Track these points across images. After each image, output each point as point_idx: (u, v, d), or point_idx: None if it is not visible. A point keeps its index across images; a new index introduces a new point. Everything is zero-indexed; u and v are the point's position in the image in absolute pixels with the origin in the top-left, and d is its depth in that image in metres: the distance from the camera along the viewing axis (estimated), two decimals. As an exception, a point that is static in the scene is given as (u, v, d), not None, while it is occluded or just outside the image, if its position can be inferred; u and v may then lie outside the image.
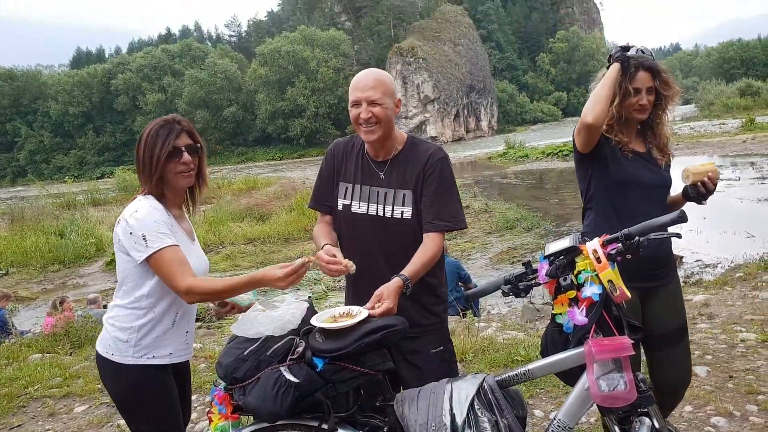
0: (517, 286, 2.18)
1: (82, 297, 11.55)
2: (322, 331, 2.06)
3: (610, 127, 2.62)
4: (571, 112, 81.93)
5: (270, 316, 2.15)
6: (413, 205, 2.44)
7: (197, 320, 2.66)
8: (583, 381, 1.97)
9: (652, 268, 2.59)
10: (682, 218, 1.98)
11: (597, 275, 1.96)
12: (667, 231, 2.09)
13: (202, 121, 69.69)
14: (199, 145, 2.34)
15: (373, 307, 2.12)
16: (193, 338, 2.47)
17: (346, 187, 2.54)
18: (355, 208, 2.50)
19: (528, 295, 2.23)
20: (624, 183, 2.60)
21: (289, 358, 2.02)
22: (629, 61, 2.55)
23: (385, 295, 2.15)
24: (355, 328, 2.01)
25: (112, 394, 2.33)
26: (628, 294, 1.97)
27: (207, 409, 2.27)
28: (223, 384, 2.13)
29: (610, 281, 1.94)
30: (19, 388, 5.20)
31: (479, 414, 1.93)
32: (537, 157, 31.90)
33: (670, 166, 2.72)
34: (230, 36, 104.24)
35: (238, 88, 71.87)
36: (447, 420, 1.92)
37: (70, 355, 6.49)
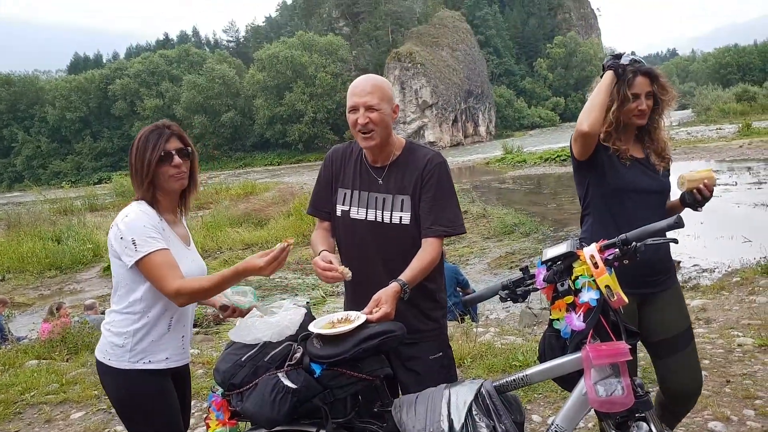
0: (515, 291, 2.19)
1: (79, 303, 11.52)
2: (320, 336, 2.06)
3: (608, 135, 2.61)
4: (568, 117, 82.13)
5: (268, 322, 2.15)
6: (412, 210, 2.44)
7: (195, 326, 2.66)
8: (581, 386, 1.97)
9: (649, 274, 2.59)
10: (679, 224, 1.99)
11: (594, 280, 1.96)
12: (665, 236, 2.10)
13: (200, 126, 69.78)
14: (189, 148, 2.35)
15: (371, 312, 2.12)
16: (190, 343, 2.46)
17: (345, 193, 2.54)
18: (353, 214, 2.50)
19: (526, 300, 2.23)
20: (621, 190, 2.60)
21: (286, 363, 2.02)
22: (625, 68, 2.56)
23: (383, 299, 2.15)
24: (353, 334, 2.01)
25: (111, 399, 2.34)
26: (626, 299, 1.97)
27: (204, 415, 2.26)
28: (220, 390, 2.13)
29: (607, 286, 1.95)
30: (16, 395, 5.18)
31: (477, 419, 1.93)
32: (535, 162, 31.95)
33: (669, 170, 2.71)
34: (228, 41, 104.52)
35: (236, 93, 71.95)
36: (445, 425, 1.92)
37: (67, 361, 6.47)
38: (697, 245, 10.69)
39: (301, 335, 2.13)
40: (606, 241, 2.04)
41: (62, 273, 15.76)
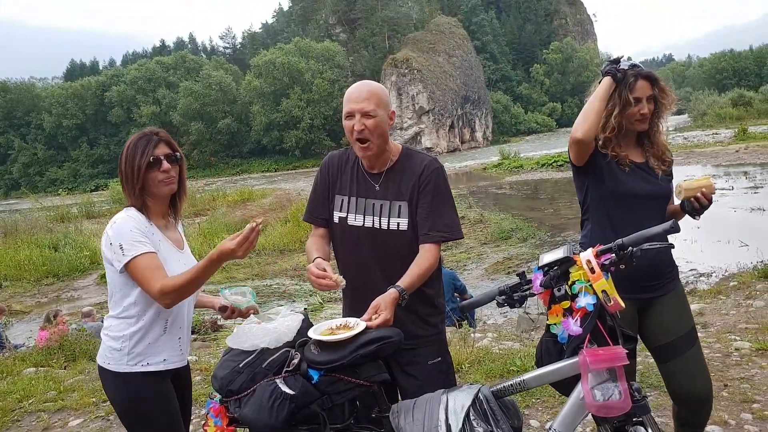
0: (512, 296, 2.19)
1: (76, 310, 11.50)
2: (318, 342, 2.06)
3: (608, 141, 2.61)
4: (565, 122, 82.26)
5: (265, 329, 2.15)
6: (409, 216, 2.44)
7: (193, 332, 2.67)
8: (578, 391, 1.98)
9: (648, 279, 2.59)
10: (675, 228, 2.00)
11: (591, 285, 1.96)
12: (664, 240, 2.10)
13: (196, 133, 69.71)
14: (178, 153, 2.39)
15: (370, 319, 2.13)
16: (188, 344, 2.48)
17: (342, 200, 2.53)
18: (351, 221, 2.50)
19: (523, 305, 2.24)
20: (620, 196, 2.60)
21: (284, 370, 2.03)
22: (625, 73, 2.56)
23: (382, 306, 2.16)
24: (351, 340, 2.02)
25: (112, 402, 2.37)
26: (622, 304, 1.97)
27: (203, 422, 2.27)
28: (218, 396, 2.14)
29: (604, 291, 1.95)
30: (14, 402, 5.17)
31: (475, 424, 1.93)
32: (532, 168, 32.01)
33: (670, 174, 2.70)
34: (225, 48, 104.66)
35: (233, 99, 71.97)
36: (443, 431, 1.93)
37: (65, 368, 6.45)
38: (695, 250, 10.71)
39: (299, 341, 2.13)
40: (602, 246, 2.05)
41: (59, 280, 15.71)
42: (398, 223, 2.44)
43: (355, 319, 2.16)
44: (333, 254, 2.65)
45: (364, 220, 2.48)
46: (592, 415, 2.01)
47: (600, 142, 2.62)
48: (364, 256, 2.48)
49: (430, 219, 2.41)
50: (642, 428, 1.95)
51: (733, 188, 17.98)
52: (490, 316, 8.57)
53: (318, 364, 2.01)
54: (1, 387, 5.63)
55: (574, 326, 1.97)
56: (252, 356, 2.08)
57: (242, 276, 14.16)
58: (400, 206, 2.45)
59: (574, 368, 1.98)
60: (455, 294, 7.72)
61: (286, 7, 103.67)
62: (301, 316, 2.26)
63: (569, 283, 2.01)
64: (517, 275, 2.22)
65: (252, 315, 2.36)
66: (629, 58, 2.63)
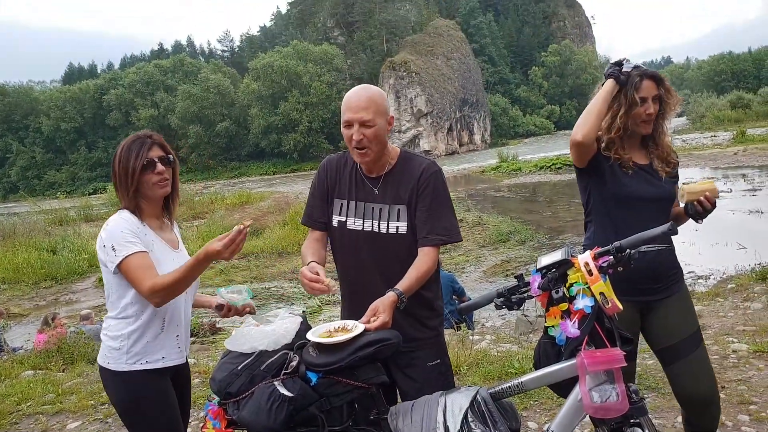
0: (510, 299, 2.20)
1: (74, 313, 11.49)
2: (316, 345, 2.07)
3: (611, 142, 2.59)
4: (563, 125, 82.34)
5: (263, 331, 2.16)
6: (408, 219, 2.45)
7: (192, 335, 2.69)
8: (576, 392, 1.98)
9: (651, 282, 2.57)
10: (673, 231, 2.00)
11: (589, 288, 1.97)
12: (662, 243, 2.09)
13: (195, 136, 69.63)
14: (171, 156, 2.42)
15: (368, 321, 2.14)
16: (186, 341, 2.51)
17: (341, 204, 2.54)
18: (350, 225, 2.50)
19: (521, 307, 2.24)
20: (623, 198, 2.58)
21: (283, 372, 2.03)
22: (629, 74, 2.54)
23: (381, 309, 2.16)
24: (349, 342, 2.03)
25: (113, 401, 2.40)
26: (620, 306, 1.98)
27: (201, 424, 2.27)
28: (217, 399, 2.14)
29: (602, 293, 1.96)
30: (12, 405, 5.16)
31: (473, 426, 1.94)
32: (530, 171, 32.04)
33: (675, 176, 2.68)
34: (223, 51, 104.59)
35: (231, 103, 71.92)
36: (441, 433, 1.93)
37: (63, 371, 6.45)
38: (693, 252, 10.72)
39: (297, 344, 2.14)
40: (600, 249, 2.05)
41: (58, 283, 15.70)
42: (397, 227, 2.45)
43: (354, 321, 2.16)
44: (332, 257, 2.66)
45: (363, 223, 2.48)
46: (590, 416, 2.02)
47: (603, 144, 2.60)
48: (363, 260, 2.49)
49: (429, 222, 2.41)
50: (639, 430, 1.96)
51: (731, 191, 18.01)
52: (488, 319, 8.57)
53: (316, 366, 2.02)
54: (-1, 390, 5.62)
55: (571, 328, 1.98)
56: (250, 359, 2.09)
57: (241, 279, 14.16)
58: (399, 210, 2.45)
59: (572, 370, 1.99)
60: (454, 296, 7.72)
61: (284, 11, 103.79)
62: (300, 319, 2.26)
63: (567, 285, 2.02)
64: (515, 277, 2.23)
65: (250, 317, 2.36)
66: (627, 60, 2.61)
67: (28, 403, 5.19)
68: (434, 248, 2.42)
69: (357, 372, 2.05)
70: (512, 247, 14.54)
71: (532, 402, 4.15)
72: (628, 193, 2.57)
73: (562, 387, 2.08)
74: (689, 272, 9.88)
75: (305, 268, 2.31)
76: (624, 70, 2.56)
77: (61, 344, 7.09)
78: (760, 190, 17.96)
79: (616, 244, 2.02)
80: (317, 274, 2.26)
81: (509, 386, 2.11)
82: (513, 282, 2.22)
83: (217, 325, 9.68)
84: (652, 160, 2.64)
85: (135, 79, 77.24)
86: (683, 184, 2.60)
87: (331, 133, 66.14)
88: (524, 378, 2.11)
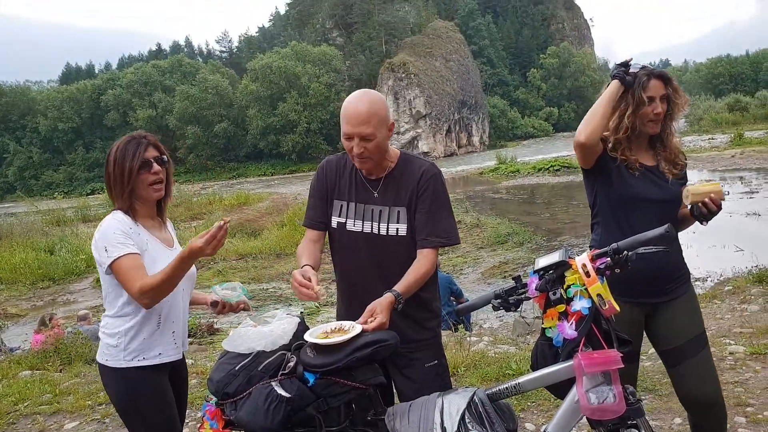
0: (507, 300, 2.20)
1: (72, 313, 11.47)
2: (314, 346, 2.07)
3: (618, 143, 2.57)
4: (562, 127, 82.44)
5: (261, 332, 2.16)
6: (408, 221, 2.45)
7: (189, 336, 2.70)
8: (573, 394, 1.99)
9: (658, 284, 2.56)
10: (670, 233, 2.00)
11: (586, 289, 1.98)
12: (662, 244, 2.08)
13: (193, 136, 69.53)
14: (165, 156, 2.45)
15: (366, 322, 2.14)
16: (182, 337, 2.52)
17: (341, 205, 2.53)
18: (350, 226, 2.50)
19: (518, 309, 2.25)
20: (629, 200, 2.56)
21: (280, 373, 2.03)
22: (636, 75, 2.52)
23: (378, 310, 2.17)
24: (347, 343, 2.03)
25: (111, 398, 2.43)
26: (617, 307, 1.98)
27: (198, 425, 2.27)
28: (214, 399, 2.14)
29: (599, 295, 1.96)
30: (9, 405, 5.15)
31: (470, 427, 1.94)
32: (528, 173, 32.04)
33: (682, 177, 2.64)
34: (221, 52, 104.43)
35: (230, 103, 71.84)
36: (438, 434, 1.93)
37: (60, 371, 6.44)
38: (690, 254, 10.62)
39: (295, 345, 2.14)
40: (597, 250, 2.06)
41: (55, 284, 15.68)
42: (397, 229, 2.45)
43: (350, 322, 2.16)
44: (329, 258, 2.66)
45: (363, 225, 2.48)
46: (587, 418, 2.03)
47: (610, 145, 2.58)
48: (362, 261, 2.49)
49: (428, 224, 2.42)
50: (636, 431, 1.96)
51: (729, 193, 18.03)
52: (486, 320, 8.58)
53: (314, 367, 2.02)
54: (-4, 390, 5.61)
55: (569, 330, 1.98)
56: (248, 359, 2.09)
57: (238, 280, 14.01)
58: (399, 212, 2.45)
59: (569, 371, 1.99)
60: (452, 298, 7.72)
61: (282, 11, 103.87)
62: (297, 320, 2.27)
63: (564, 286, 2.02)
64: (513, 279, 2.23)
65: (248, 318, 2.36)
66: (635, 63, 2.58)
67: (26, 404, 5.18)
68: (433, 250, 2.42)
69: (354, 373, 2.05)
70: (510, 249, 14.55)
71: (529, 403, 4.15)
72: (634, 194, 2.55)
73: (560, 388, 2.08)
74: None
75: (298, 272, 2.29)
76: (631, 70, 2.54)
77: (58, 344, 7.08)
78: (758, 192, 18.00)
79: (614, 245, 2.02)
80: (309, 279, 2.25)
81: (506, 387, 2.12)
82: (511, 283, 2.22)
83: (215, 326, 9.67)
84: (659, 162, 2.62)
85: (133, 80, 77.08)
86: (692, 185, 2.55)
87: (330, 134, 66.10)
88: (521, 379, 2.12)
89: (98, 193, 47.82)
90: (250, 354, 2.10)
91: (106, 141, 75.46)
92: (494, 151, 47.77)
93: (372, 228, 2.47)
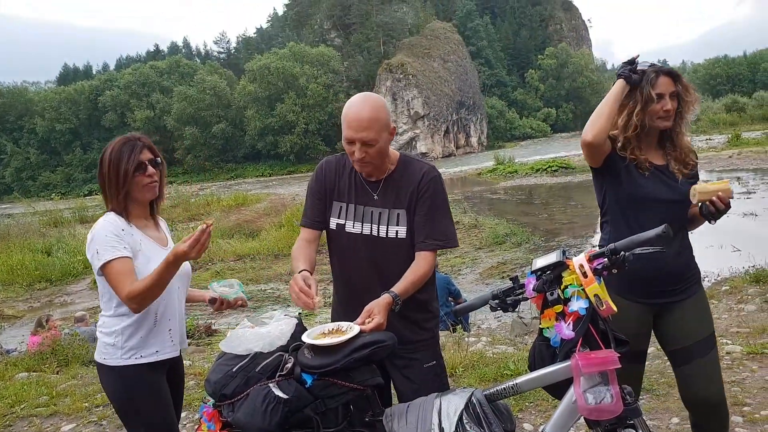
0: (505, 301, 2.20)
1: (69, 315, 11.45)
2: (311, 347, 2.07)
3: (627, 142, 2.54)
4: (560, 128, 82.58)
5: (258, 333, 2.15)
6: (407, 224, 2.45)
7: (187, 337, 2.70)
8: (570, 394, 1.99)
9: (669, 284, 2.55)
10: (667, 233, 1.99)
11: (583, 290, 1.98)
12: (661, 245, 2.07)
13: (191, 137, 69.48)
14: (159, 159, 2.47)
15: (363, 323, 2.14)
16: (179, 335, 2.54)
17: (341, 207, 2.52)
18: (349, 228, 2.49)
19: (516, 309, 2.25)
20: (638, 200, 2.54)
21: (278, 374, 2.03)
22: (642, 74, 2.50)
23: (376, 310, 2.16)
24: (344, 344, 2.03)
25: (109, 396, 2.45)
26: (614, 308, 1.98)
27: (196, 426, 2.27)
28: (212, 401, 2.13)
29: (596, 295, 1.96)
30: (5, 407, 5.14)
31: (468, 428, 1.94)
32: (526, 173, 32.07)
33: (693, 177, 2.62)
34: (219, 52, 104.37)
35: (228, 104, 71.80)
36: (436, 434, 1.93)
37: (57, 373, 6.42)
38: (687, 254, 10.72)
39: (293, 346, 2.14)
40: (594, 251, 2.06)
41: (52, 285, 15.64)
42: (397, 231, 2.44)
43: (348, 323, 2.16)
44: (327, 259, 2.65)
45: (362, 227, 2.48)
46: (584, 418, 2.03)
47: (619, 144, 2.56)
48: (361, 263, 2.49)
49: (427, 227, 2.42)
50: (633, 431, 1.96)
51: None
52: (484, 320, 8.58)
53: (311, 368, 2.01)
54: (-7, 392, 5.59)
55: (566, 330, 1.98)
56: (245, 360, 2.08)
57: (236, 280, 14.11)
58: (398, 214, 2.45)
59: (567, 372, 1.99)
60: (450, 298, 7.72)
61: (280, 12, 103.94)
62: (295, 321, 2.26)
63: (562, 287, 2.02)
64: (510, 279, 2.23)
65: (245, 320, 2.36)
66: (643, 61, 2.57)
67: (22, 406, 5.17)
68: (431, 253, 2.43)
69: (352, 374, 2.05)
70: (508, 249, 14.55)
71: (527, 403, 4.16)
72: (643, 194, 2.53)
73: (557, 389, 2.08)
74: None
75: (299, 277, 2.28)
76: (639, 68, 2.51)
77: (55, 346, 7.06)
78: (755, 192, 18.02)
79: (611, 246, 2.02)
80: (309, 287, 2.24)
81: (504, 388, 2.12)
82: (508, 284, 2.23)
83: (213, 327, 9.67)
84: (669, 161, 2.59)
85: (131, 81, 76.98)
86: (699, 183, 2.52)
87: (328, 135, 66.09)
88: (519, 380, 2.12)
89: (96, 194, 47.72)
90: (248, 355, 2.10)
91: (104, 142, 74.62)
92: (492, 152, 47.80)
93: (371, 230, 2.47)
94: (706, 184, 2.44)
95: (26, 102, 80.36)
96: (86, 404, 5.03)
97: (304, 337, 2.10)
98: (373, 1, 75.25)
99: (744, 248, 10.60)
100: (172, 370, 2.53)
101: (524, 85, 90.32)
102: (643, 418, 2.04)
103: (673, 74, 2.54)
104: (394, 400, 2.55)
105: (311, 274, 2.37)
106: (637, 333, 2.56)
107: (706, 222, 2.56)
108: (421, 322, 2.51)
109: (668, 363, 4.56)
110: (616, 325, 2.42)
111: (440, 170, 2.59)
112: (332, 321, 2.51)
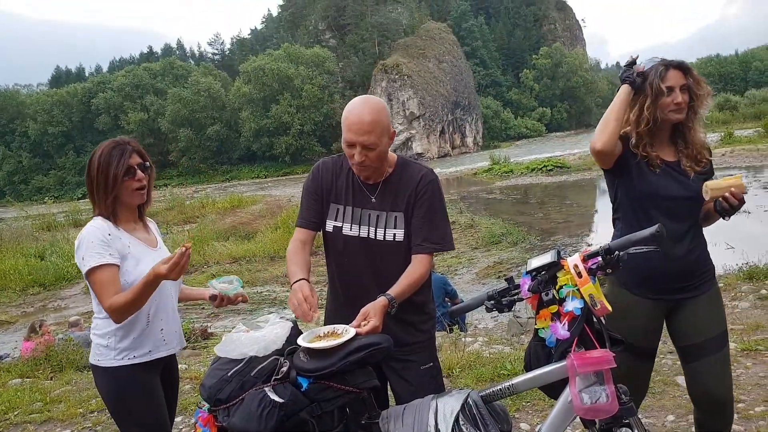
0: (501, 301, 2.21)
1: (62, 320, 11.39)
2: (307, 350, 2.06)
3: (639, 138, 2.53)
4: (554, 127, 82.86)
5: (254, 337, 2.14)
6: (405, 227, 2.44)
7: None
8: (566, 394, 1.99)
9: (683, 280, 2.54)
10: (661, 233, 1.99)
11: (578, 290, 1.98)
12: (656, 244, 2.07)
13: (185, 139, 69.37)
14: (148, 163, 2.48)
15: (359, 326, 2.13)
16: (172, 334, 2.54)
17: (338, 209, 2.51)
18: (346, 230, 2.49)
19: (511, 310, 2.25)
20: (650, 197, 2.53)
21: (273, 378, 2.02)
22: (645, 76, 2.49)
23: (372, 313, 2.16)
24: (340, 347, 2.02)
25: (103, 399, 2.46)
26: (609, 308, 1.99)
27: (191, 431, 2.25)
28: (207, 405, 2.12)
29: (591, 295, 1.97)
30: (-1, 414, 5.11)
31: (464, 429, 1.94)
32: (522, 173, 32.12)
33: (706, 173, 2.58)
34: (213, 54, 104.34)
35: (222, 106, 71.72)
36: (432, 437, 1.93)
37: (51, 379, 6.38)
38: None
39: (288, 349, 2.13)
40: (589, 251, 2.06)
41: (45, 290, 15.52)
42: (394, 234, 2.44)
43: (343, 326, 2.16)
44: (324, 260, 2.65)
45: (359, 230, 2.47)
46: (580, 417, 2.03)
47: (633, 141, 2.55)
48: (358, 266, 2.48)
49: (424, 230, 2.42)
50: (629, 430, 1.97)
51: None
52: (481, 320, 8.58)
53: (307, 371, 2.01)
54: (-13, 398, 5.56)
55: (561, 330, 1.99)
56: (240, 365, 2.07)
57: (232, 283, 14.08)
58: (396, 217, 2.45)
59: (562, 372, 1.99)
60: (446, 299, 7.73)
61: (275, 13, 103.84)
62: (290, 324, 2.25)
63: (557, 287, 2.03)
64: (506, 280, 2.23)
65: (240, 324, 2.35)
66: (644, 61, 2.56)
67: (15, 412, 5.13)
68: (428, 256, 2.42)
69: (348, 377, 2.04)
70: (504, 249, 14.56)
71: (524, 403, 4.16)
72: (654, 191, 2.52)
73: (553, 388, 2.09)
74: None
75: (306, 287, 2.28)
76: (647, 65, 2.50)
77: (48, 352, 7.02)
78: (748, 190, 18.06)
79: (605, 245, 2.03)
80: (311, 297, 2.25)
81: (500, 389, 2.12)
82: (504, 284, 2.23)
83: (209, 330, 9.64)
84: (680, 158, 2.57)
85: (124, 83, 76.75)
86: (712, 179, 2.50)
87: (323, 136, 66.06)
88: (515, 380, 2.12)
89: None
90: (243, 359, 2.08)
91: (97, 145, 74.80)
92: (488, 152, 47.89)
93: (369, 233, 2.46)
94: (718, 181, 2.42)
95: (18, 105, 79.93)
96: (81, 410, 5.00)
97: (300, 341, 2.09)
98: (367, 2, 75.33)
99: (737, 246, 10.62)
100: (166, 370, 2.54)
101: (519, 85, 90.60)
102: (638, 416, 2.04)
103: (683, 67, 2.51)
104: (391, 402, 2.55)
105: (308, 281, 2.36)
106: (646, 330, 2.57)
107: (721, 218, 2.53)
108: (418, 324, 2.51)
109: (663, 361, 4.60)
110: (625, 322, 2.44)
111: (436, 170, 2.60)
112: (327, 323, 2.50)
